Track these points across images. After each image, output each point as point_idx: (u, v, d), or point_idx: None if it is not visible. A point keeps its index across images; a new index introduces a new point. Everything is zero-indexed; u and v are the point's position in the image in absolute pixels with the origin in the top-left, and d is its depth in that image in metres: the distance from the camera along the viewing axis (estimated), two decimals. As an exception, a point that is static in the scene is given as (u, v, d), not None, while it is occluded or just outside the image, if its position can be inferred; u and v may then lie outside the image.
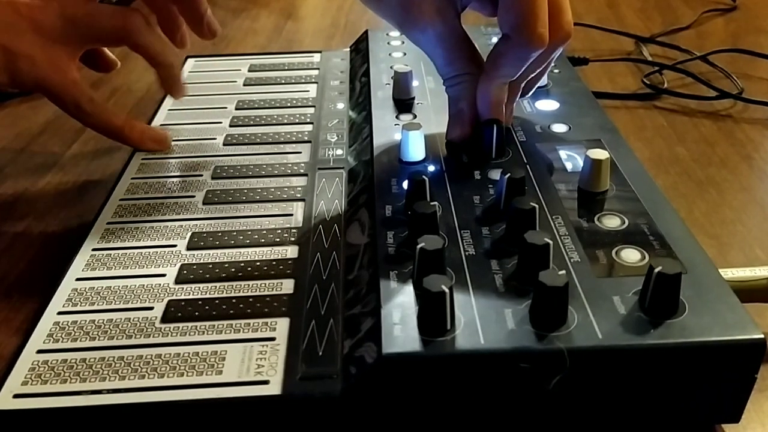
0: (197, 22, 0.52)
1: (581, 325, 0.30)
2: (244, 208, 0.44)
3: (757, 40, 0.77)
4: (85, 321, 0.36)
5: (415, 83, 0.53)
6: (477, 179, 0.41)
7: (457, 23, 0.44)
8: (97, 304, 0.37)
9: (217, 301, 0.37)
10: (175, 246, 0.41)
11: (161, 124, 0.55)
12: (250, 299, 0.37)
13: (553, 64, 0.48)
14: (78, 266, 0.40)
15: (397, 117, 0.50)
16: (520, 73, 0.43)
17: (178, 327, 0.35)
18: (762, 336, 0.30)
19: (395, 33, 0.64)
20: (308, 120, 0.55)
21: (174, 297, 0.37)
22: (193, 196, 0.46)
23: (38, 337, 0.35)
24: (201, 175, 0.48)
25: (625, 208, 0.38)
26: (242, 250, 0.40)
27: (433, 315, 0.30)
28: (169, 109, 0.57)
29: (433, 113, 0.49)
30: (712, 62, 0.70)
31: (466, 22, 0.44)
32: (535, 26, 0.40)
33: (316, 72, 0.63)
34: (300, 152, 0.50)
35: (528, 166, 0.43)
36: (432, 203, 0.37)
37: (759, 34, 0.79)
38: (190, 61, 0.66)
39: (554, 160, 0.43)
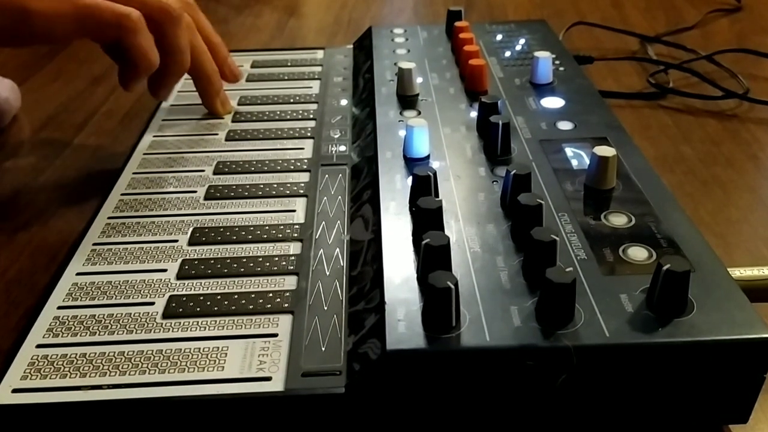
0: (219, 65, 0.55)
1: (588, 323, 0.30)
2: (246, 203, 0.44)
3: (762, 40, 0.77)
4: (86, 316, 0.35)
5: (419, 79, 0.53)
6: (482, 176, 0.41)
7: None
8: (98, 299, 0.36)
9: (218, 297, 0.36)
10: (176, 241, 0.41)
11: (162, 120, 0.55)
12: (252, 295, 0.36)
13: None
14: (78, 261, 0.39)
15: (400, 113, 0.49)
16: None
17: (180, 322, 0.35)
18: (771, 335, 0.29)
19: (399, 29, 0.64)
20: (311, 116, 0.54)
21: (175, 292, 0.37)
22: (195, 192, 0.45)
23: (38, 332, 0.34)
24: (203, 171, 0.48)
25: (631, 206, 0.38)
26: (244, 245, 0.40)
27: (438, 311, 0.30)
28: (171, 105, 0.57)
29: (438, 109, 0.49)
30: (717, 62, 0.69)
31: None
32: None
33: (319, 68, 0.63)
34: (303, 148, 0.50)
35: (533, 163, 0.42)
36: (437, 199, 0.36)
37: (764, 35, 0.79)
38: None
39: (560, 158, 0.43)
